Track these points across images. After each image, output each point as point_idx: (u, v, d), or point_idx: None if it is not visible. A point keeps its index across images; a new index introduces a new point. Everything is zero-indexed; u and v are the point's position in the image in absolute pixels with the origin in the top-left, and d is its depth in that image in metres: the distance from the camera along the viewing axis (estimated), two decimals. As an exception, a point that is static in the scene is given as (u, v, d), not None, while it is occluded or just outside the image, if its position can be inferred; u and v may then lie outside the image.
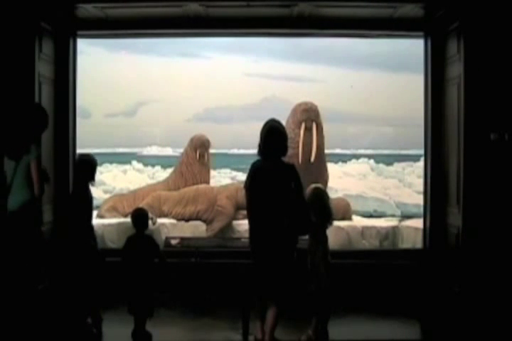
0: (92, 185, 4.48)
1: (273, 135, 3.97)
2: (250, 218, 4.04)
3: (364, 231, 6.89)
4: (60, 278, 4.29)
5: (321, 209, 4.22)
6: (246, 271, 4.06)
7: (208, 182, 7.76)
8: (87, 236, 4.39)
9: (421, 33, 5.93)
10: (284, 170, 3.95)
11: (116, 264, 4.33)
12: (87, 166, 4.44)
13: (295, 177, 3.94)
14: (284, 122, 7.31)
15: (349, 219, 7.19)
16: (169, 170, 8.73)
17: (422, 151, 6.08)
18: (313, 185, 4.37)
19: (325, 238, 4.23)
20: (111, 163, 16.20)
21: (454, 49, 5.36)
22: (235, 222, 6.95)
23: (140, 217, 4.35)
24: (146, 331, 4.21)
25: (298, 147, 7.11)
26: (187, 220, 7.11)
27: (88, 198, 4.41)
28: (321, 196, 4.28)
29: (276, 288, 3.90)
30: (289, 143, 7.06)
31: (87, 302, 4.38)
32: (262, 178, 3.94)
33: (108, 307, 4.71)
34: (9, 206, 4.36)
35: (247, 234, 4.17)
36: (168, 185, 7.73)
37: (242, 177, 13.43)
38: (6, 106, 5.11)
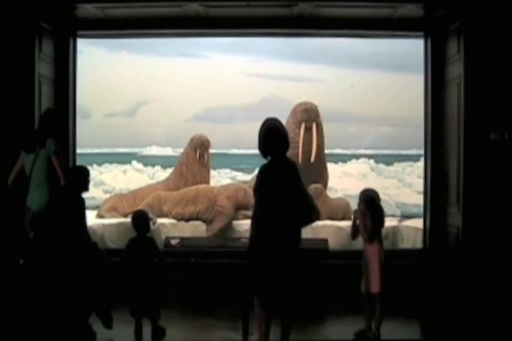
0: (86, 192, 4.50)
1: (277, 133, 3.92)
2: (266, 221, 3.77)
3: (364, 231, 6.88)
4: (62, 278, 4.28)
5: (375, 213, 4.34)
6: (247, 277, 3.94)
7: (208, 182, 7.75)
8: (83, 237, 4.40)
9: (421, 33, 5.94)
10: (294, 168, 3.92)
11: (116, 264, 4.34)
12: (81, 177, 4.45)
13: (298, 174, 3.91)
14: (284, 122, 7.38)
15: (349, 219, 7.17)
16: (169, 170, 8.71)
17: (422, 151, 6.08)
18: (364, 188, 4.48)
19: (380, 240, 4.38)
20: (111, 163, 16.15)
21: (454, 49, 5.36)
22: (235, 222, 6.94)
23: (139, 219, 4.36)
24: (160, 327, 4.32)
25: (298, 147, 7.11)
26: (187, 220, 7.10)
27: (79, 204, 4.42)
28: (373, 199, 4.39)
29: (287, 295, 3.80)
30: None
31: (90, 302, 4.39)
32: (280, 179, 3.82)
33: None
34: (30, 204, 4.39)
35: (247, 234, 4.11)
36: (168, 185, 7.72)
37: (242, 177, 13.39)
38: (6, 106, 5.13)
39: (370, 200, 4.38)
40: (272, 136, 3.90)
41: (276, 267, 3.75)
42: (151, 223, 4.49)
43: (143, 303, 4.22)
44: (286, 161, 3.92)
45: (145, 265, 4.24)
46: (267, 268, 3.75)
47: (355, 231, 4.46)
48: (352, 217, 4.54)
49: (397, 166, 16.65)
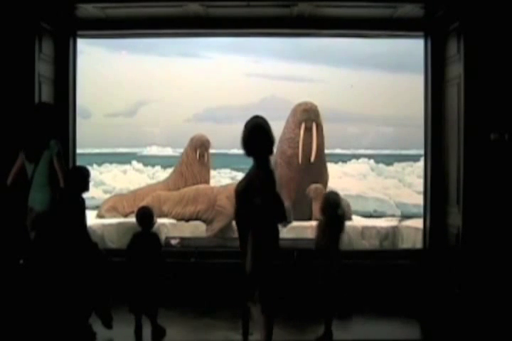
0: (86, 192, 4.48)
1: (261, 133, 3.81)
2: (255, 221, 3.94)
3: (364, 231, 6.88)
4: (62, 278, 4.28)
5: (334, 218, 4.32)
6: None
7: (207, 182, 7.76)
8: (83, 237, 4.39)
9: (421, 33, 5.93)
10: (272, 171, 3.90)
11: (116, 264, 4.34)
12: (81, 178, 4.42)
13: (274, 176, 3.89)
14: (284, 122, 7.39)
15: (349, 219, 7.19)
16: (169, 170, 8.73)
17: (422, 151, 6.08)
18: (319, 189, 4.42)
19: (337, 239, 4.36)
20: (111, 163, 16.20)
21: (454, 49, 5.36)
22: (234, 222, 6.94)
23: (144, 215, 4.37)
24: (160, 327, 4.31)
25: (298, 147, 7.12)
26: (187, 220, 7.11)
27: (79, 204, 4.40)
28: (333, 203, 4.32)
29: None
30: (289, 143, 7.19)
31: (90, 302, 4.38)
32: (263, 181, 3.81)
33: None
34: (32, 204, 4.37)
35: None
36: (168, 185, 7.73)
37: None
38: (6, 106, 5.13)
39: (332, 204, 4.30)
40: (255, 136, 3.78)
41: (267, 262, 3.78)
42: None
43: (142, 299, 4.22)
44: (268, 162, 3.87)
45: (147, 260, 4.24)
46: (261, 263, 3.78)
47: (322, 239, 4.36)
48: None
49: (397, 166, 16.70)
